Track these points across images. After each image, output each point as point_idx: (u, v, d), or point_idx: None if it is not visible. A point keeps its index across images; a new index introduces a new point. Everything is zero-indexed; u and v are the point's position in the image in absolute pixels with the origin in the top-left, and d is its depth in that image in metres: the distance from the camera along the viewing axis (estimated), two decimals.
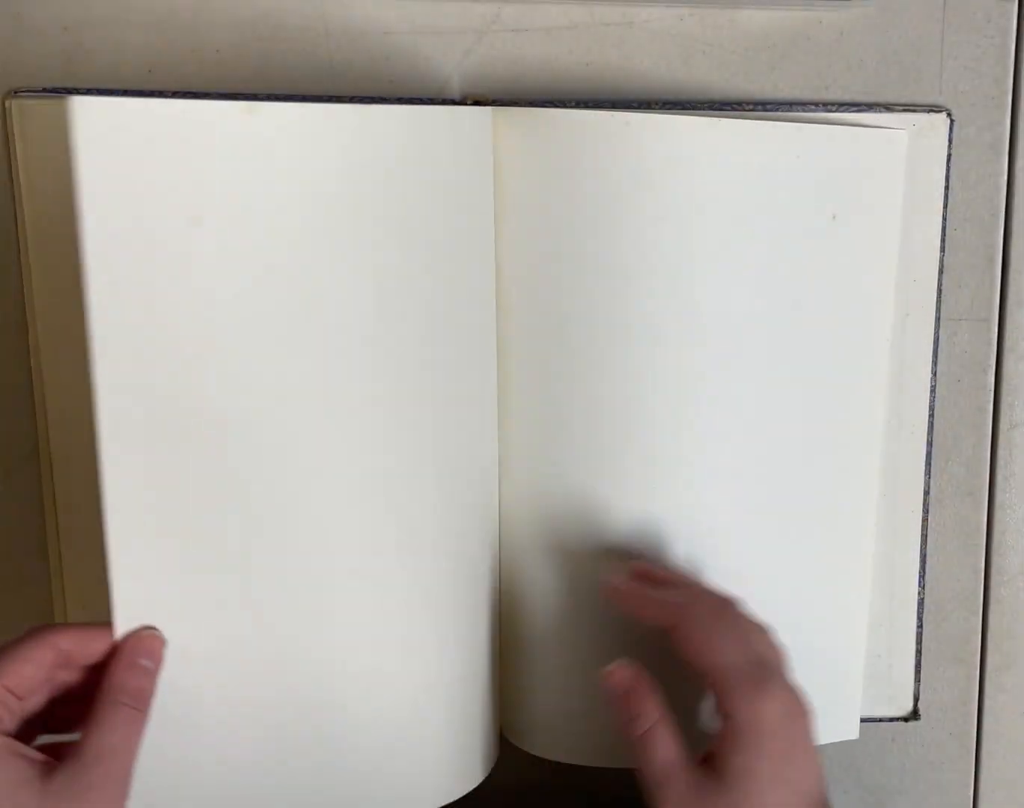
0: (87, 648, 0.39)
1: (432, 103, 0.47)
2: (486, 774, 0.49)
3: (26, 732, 0.38)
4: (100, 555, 0.50)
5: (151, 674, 0.39)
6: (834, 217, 0.47)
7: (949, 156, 0.49)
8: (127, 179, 0.37)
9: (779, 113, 0.48)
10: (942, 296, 0.50)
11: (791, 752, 0.39)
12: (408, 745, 0.46)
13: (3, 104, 0.46)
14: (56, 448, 0.49)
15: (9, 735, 0.37)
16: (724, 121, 0.46)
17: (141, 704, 0.38)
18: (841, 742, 0.53)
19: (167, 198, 0.38)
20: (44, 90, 0.47)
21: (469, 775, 0.49)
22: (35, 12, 0.46)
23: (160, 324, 0.39)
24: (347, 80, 0.48)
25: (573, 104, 0.47)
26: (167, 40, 0.47)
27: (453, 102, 0.47)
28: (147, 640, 0.39)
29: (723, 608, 0.42)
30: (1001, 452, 0.52)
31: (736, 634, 0.41)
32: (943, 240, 0.49)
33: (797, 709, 0.40)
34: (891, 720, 0.53)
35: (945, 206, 0.49)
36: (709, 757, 0.40)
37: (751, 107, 0.48)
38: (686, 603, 0.42)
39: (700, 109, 0.48)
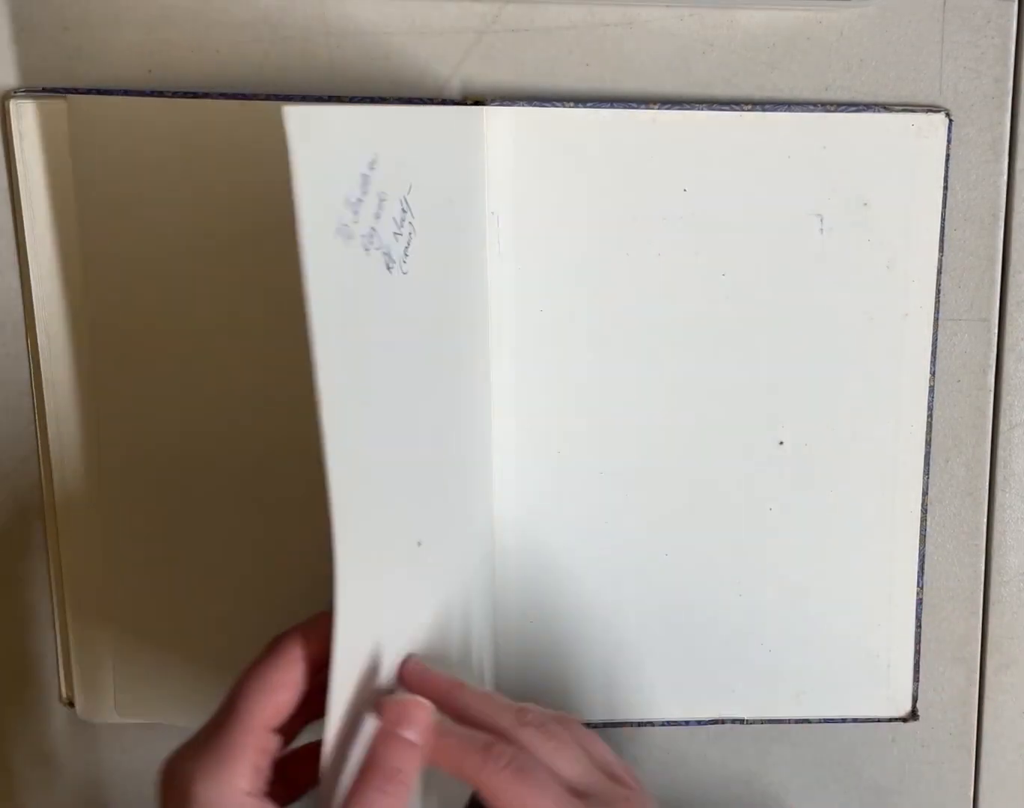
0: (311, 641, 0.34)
1: (432, 103, 0.47)
2: None
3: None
4: (98, 554, 0.50)
5: (415, 750, 0.33)
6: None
7: (948, 156, 0.48)
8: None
9: (779, 113, 0.48)
10: (942, 296, 0.50)
11: None
12: None
13: (3, 104, 0.46)
14: (56, 448, 0.49)
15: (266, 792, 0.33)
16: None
17: (397, 788, 0.33)
18: (841, 742, 0.53)
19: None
20: (44, 90, 0.47)
21: None
22: (35, 12, 0.46)
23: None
24: (347, 80, 0.48)
25: (573, 104, 0.47)
26: (167, 40, 0.47)
27: (453, 102, 0.47)
28: (412, 708, 0.34)
29: (521, 729, 0.35)
30: (1001, 452, 0.52)
31: (548, 779, 0.34)
32: (942, 240, 0.49)
33: None
34: (890, 720, 0.52)
35: (944, 206, 0.49)
36: None
37: (751, 107, 0.48)
38: (486, 745, 0.34)
39: (699, 109, 0.48)
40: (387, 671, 0.36)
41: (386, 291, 0.35)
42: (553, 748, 0.35)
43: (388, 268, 0.35)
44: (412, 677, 0.36)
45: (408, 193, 0.36)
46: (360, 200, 0.33)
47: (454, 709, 0.36)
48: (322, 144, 0.31)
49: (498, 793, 0.33)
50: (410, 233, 0.36)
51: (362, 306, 0.33)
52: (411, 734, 0.33)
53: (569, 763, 0.35)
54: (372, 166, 0.33)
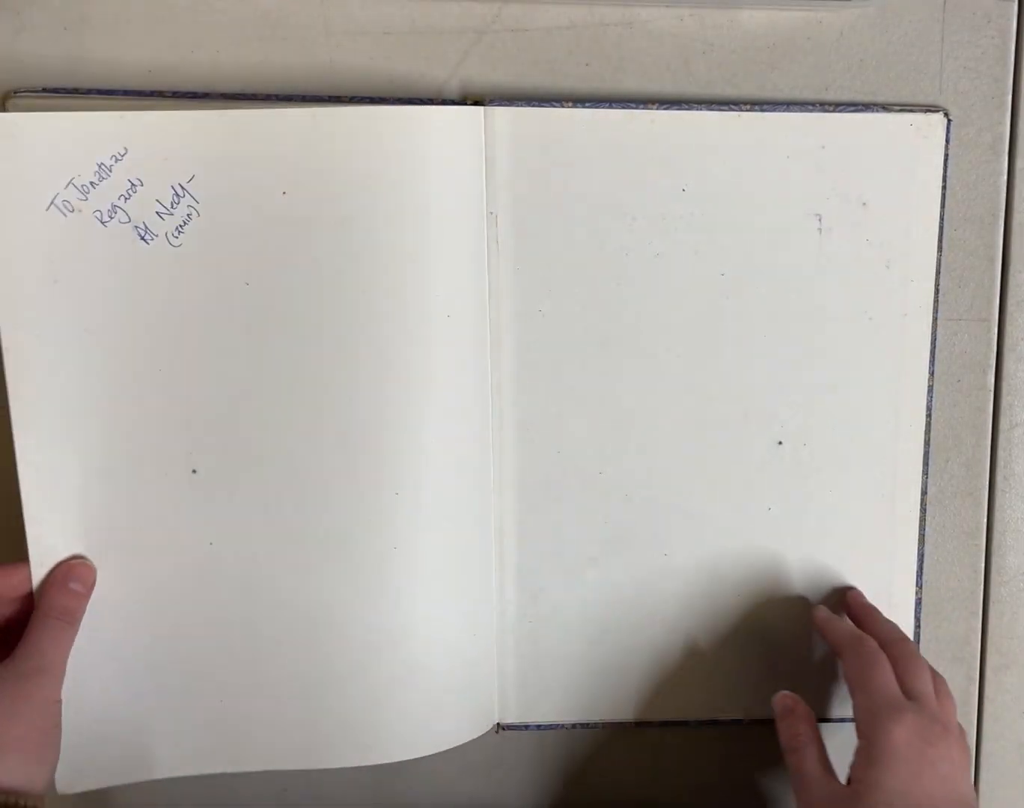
0: (11, 580, 0.45)
1: (432, 103, 0.47)
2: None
3: None
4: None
5: (80, 596, 0.45)
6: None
7: (947, 156, 0.49)
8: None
9: (778, 113, 0.48)
10: (942, 296, 0.50)
11: (920, 773, 0.43)
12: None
13: (3, 104, 0.46)
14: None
15: None
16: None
17: (69, 619, 0.44)
18: (841, 742, 0.53)
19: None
20: (44, 90, 0.47)
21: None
22: (35, 12, 0.46)
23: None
24: (347, 80, 0.48)
25: (572, 104, 0.47)
26: (167, 40, 0.47)
27: (453, 102, 0.47)
28: (77, 567, 0.45)
29: (891, 647, 0.47)
30: (1001, 452, 0.52)
31: (887, 669, 0.46)
32: (941, 240, 0.49)
33: (933, 737, 0.44)
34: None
35: (943, 206, 0.49)
36: (850, 779, 0.45)
37: (750, 107, 0.48)
38: (859, 636, 0.48)
39: (699, 109, 0.48)
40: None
41: (137, 255, 0.45)
42: (907, 666, 0.46)
43: (143, 239, 0.44)
44: (854, 597, 0.51)
45: (188, 181, 0.44)
46: (93, 183, 0.43)
47: (871, 620, 0.50)
48: (30, 141, 0.43)
49: (849, 666, 0.47)
50: (189, 214, 0.44)
51: (85, 259, 0.44)
52: (76, 585, 0.45)
53: (913, 679, 0.46)
54: (118, 157, 0.43)
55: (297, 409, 0.46)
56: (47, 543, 0.45)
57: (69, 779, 0.48)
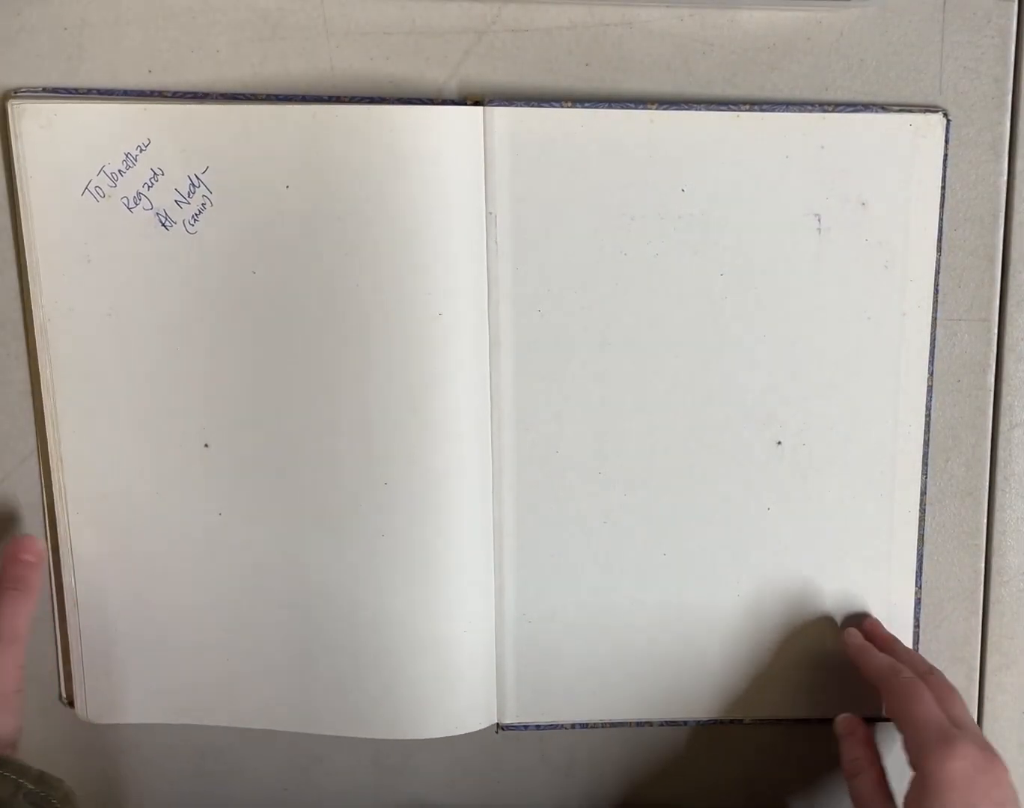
0: None
1: (432, 103, 0.47)
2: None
3: None
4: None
5: (32, 565, 0.49)
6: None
7: (946, 156, 0.48)
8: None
9: (777, 113, 0.48)
10: (942, 296, 0.50)
11: (976, 803, 0.43)
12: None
13: (3, 104, 0.46)
14: (55, 448, 0.49)
15: None
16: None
17: (23, 587, 0.48)
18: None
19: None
20: (44, 90, 0.47)
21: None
22: (35, 12, 0.46)
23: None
24: (347, 80, 0.48)
25: (572, 104, 0.47)
26: (167, 40, 0.47)
27: (452, 102, 0.47)
28: (26, 540, 0.49)
29: (926, 676, 0.48)
30: (1001, 452, 0.52)
31: (929, 699, 0.47)
32: (940, 240, 0.49)
33: (984, 766, 0.44)
34: (890, 720, 0.52)
35: (942, 206, 0.49)
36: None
37: (748, 107, 0.48)
38: (894, 668, 0.49)
39: (697, 109, 0.48)
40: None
41: (158, 240, 0.47)
42: (943, 695, 0.47)
43: (163, 225, 0.47)
44: (872, 626, 0.52)
45: (203, 172, 0.46)
46: (121, 171, 0.46)
47: (893, 652, 0.50)
48: (67, 131, 0.46)
49: (891, 696, 0.48)
50: (203, 203, 0.47)
51: (113, 242, 0.47)
52: (29, 556, 0.48)
53: (953, 709, 0.47)
54: (143, 147, 0.46)
55: (296, 394, 0.48)
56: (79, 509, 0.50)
57: (97, 711, 0.52)
